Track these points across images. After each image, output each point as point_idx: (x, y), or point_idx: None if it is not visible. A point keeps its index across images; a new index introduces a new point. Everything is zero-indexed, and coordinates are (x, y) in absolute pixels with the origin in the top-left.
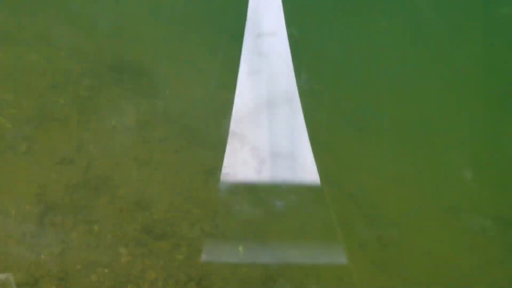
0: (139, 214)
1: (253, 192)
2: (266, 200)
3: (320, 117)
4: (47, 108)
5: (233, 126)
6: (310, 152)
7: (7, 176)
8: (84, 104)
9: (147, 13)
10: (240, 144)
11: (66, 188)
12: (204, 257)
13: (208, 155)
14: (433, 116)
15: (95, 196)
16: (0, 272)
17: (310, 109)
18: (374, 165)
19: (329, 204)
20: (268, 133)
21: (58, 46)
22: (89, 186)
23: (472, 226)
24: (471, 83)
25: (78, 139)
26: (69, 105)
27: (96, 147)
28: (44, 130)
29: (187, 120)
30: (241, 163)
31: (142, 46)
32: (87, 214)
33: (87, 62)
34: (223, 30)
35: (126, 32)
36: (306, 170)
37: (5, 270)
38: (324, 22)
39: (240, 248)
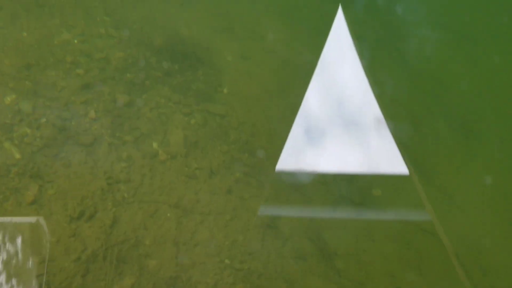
0: None
1: (326, 258)
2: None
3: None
4: (72, 126)
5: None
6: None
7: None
8: (121, 116)
9: None
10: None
11: (79, 262)
12: None
13: (269, 195)
14: None
15: (117, 273)
16: None
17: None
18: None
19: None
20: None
21: (96, 18)
22: (111, 256)
23: None
24: None
25: (107, 174)
26: (101, 119)
27: (129, 186)
28: (64, 164)
29: (248, 134)
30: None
31: (200, 20)
32: None
33: (131, 44)
34: None
35: (176, 6)
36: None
37: None
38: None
39: None
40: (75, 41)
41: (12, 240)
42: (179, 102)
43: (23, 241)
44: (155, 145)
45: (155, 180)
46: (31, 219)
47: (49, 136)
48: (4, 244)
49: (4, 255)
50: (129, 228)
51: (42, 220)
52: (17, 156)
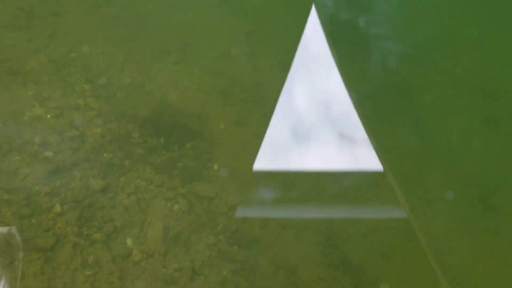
0: None
1: None
2: None
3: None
4: (31, 226)
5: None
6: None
7: None
8: (92, 206)
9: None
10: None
11: None
12: None
13: None
14: None
15: None
16: None
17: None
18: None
19: None
20: None
21: (76, 87)
22: None
23: None
24: None
25: (66, 287)
26: (67, 213)
27: None
28: (14, 276)
29: (239, 221)
30: None
31: (194, 81)
32: None
33: (112, 116)
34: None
35: (168, 66)
36: None
37: None
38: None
39: None
40: (48, 116)
41: None
42: (161, 185)
43: None
44: (129, 242)
45: (124, 282)
46: None
47: (1, 242)
48: None
49: None
50: None
51: None
52: None
